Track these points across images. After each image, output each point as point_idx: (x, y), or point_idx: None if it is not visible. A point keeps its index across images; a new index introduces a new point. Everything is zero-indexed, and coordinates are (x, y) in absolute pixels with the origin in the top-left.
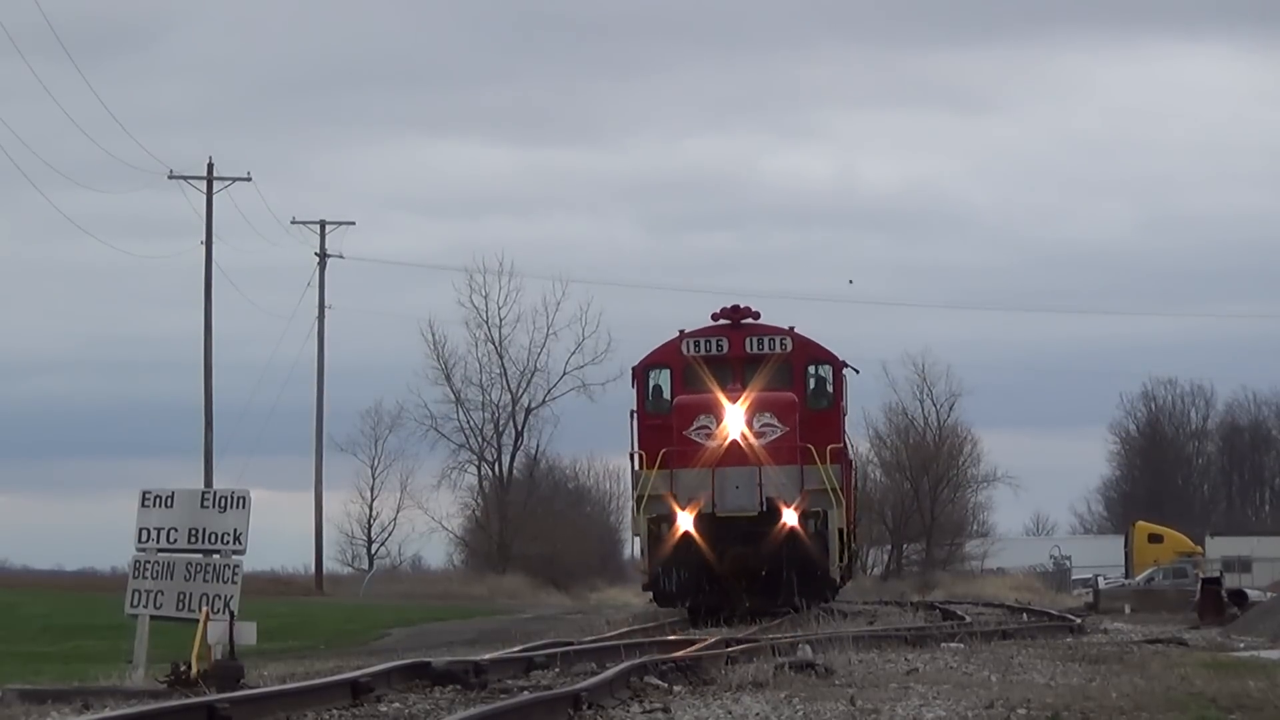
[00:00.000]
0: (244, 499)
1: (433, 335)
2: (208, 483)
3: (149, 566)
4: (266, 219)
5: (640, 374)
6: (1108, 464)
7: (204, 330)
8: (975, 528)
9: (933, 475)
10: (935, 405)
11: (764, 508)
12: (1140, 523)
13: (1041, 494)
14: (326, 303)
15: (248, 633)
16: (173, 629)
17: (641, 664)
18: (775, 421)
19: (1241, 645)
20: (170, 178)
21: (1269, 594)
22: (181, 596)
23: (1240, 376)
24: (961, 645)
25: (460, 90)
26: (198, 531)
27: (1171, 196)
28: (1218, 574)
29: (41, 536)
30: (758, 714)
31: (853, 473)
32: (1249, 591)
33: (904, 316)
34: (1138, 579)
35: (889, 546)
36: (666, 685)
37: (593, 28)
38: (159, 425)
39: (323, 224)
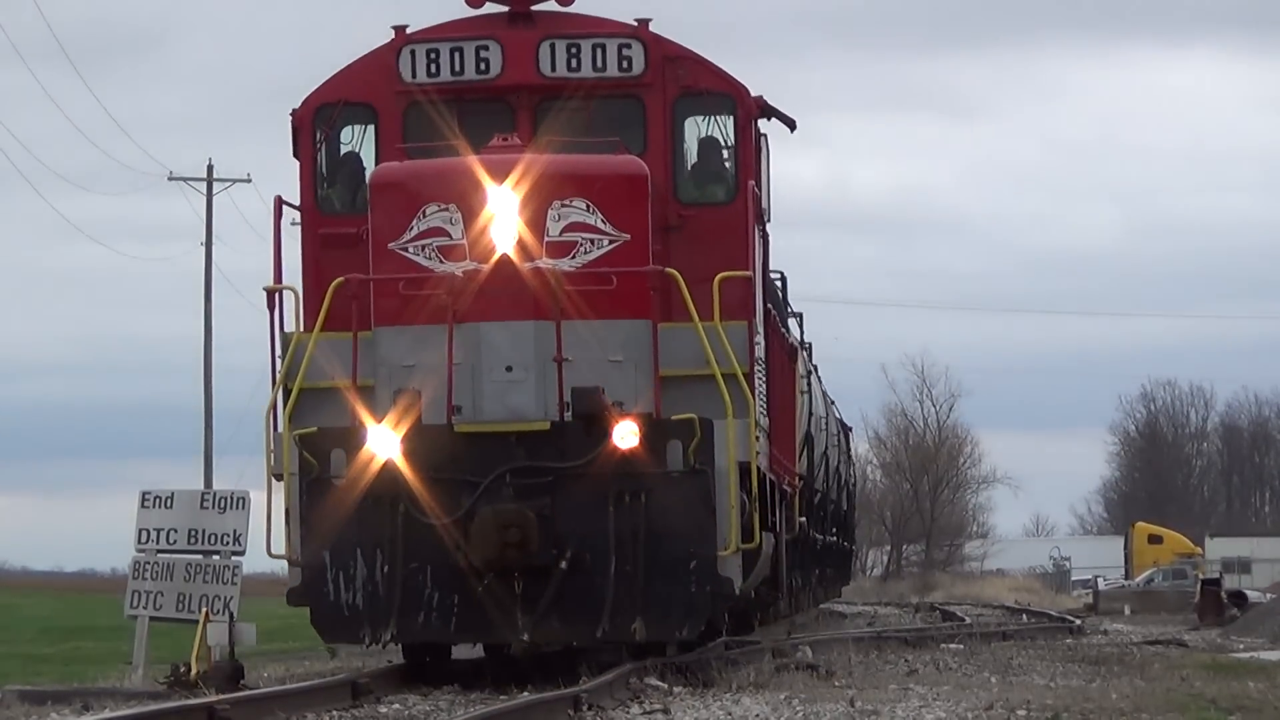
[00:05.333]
0: (244, 500)
1: None
2: (208, 484)
3: (148, 567)
4: (267, 221)
5: (308, 125)
6: (1107, 465)
7: (204, 332)
8: (975, 529)
9: (932, 476)
10: (935, 406)
11: (566, 414)
12: (1140, 524)
13: (1041, 495)
14: None
15: (247, 634)
16: (172, 630)
17: (642, 664)
18: (597, 219)
19: (1241, 646)
20: (170, 180)
21: (1269, 595)
22: (181, 598)
23: (1240, 376)
24: (961, 646)
25: None
26: (197, 532)
27: (1161, 202)
28: (1217, 575)
29: (41, 537)
30: (758, 714)
31: (796, 354)
32: (1249, 592)
33: (901, 318)
34: (1137, 580)
35: (888, 548)
36: (666, 685)
37: None
38: (158, 426)
39: None
